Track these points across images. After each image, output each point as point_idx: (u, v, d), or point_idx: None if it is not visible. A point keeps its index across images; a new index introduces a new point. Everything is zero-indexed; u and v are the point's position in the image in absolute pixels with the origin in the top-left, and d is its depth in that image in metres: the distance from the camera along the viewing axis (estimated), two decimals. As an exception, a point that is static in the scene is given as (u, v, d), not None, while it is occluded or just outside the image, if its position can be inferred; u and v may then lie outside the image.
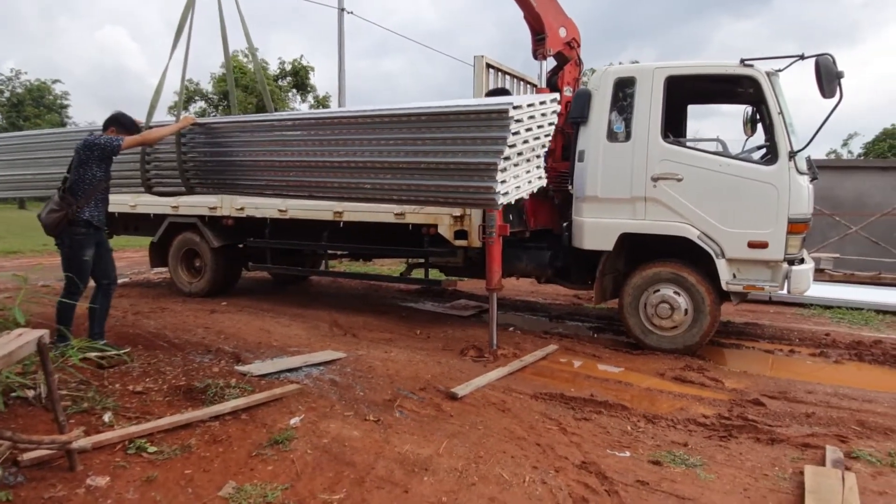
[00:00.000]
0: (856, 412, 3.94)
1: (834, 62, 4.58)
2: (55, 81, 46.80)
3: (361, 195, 4.46)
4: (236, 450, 3.09)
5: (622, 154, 5.43)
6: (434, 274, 6.93)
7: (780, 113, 5.01)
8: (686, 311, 5.29)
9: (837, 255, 10.28)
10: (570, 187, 5.79)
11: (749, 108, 5.66)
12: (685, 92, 5.73)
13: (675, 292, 5.32)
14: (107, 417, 3.35)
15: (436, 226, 6.13)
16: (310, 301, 7.84)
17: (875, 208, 10.96)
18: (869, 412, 3.95)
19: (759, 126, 5.58)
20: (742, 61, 5.08)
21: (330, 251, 7.69)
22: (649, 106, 5.33)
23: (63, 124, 41.73)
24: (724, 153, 5.38)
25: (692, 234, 5.20)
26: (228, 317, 6.53)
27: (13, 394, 3.43)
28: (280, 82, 32.43)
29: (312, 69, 32.94)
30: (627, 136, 5.44)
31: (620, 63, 8.73)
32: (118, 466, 2.85)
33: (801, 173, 4.99)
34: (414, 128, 3.99)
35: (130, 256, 12.50)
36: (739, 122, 5.80)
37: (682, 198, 5.23)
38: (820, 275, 8.85)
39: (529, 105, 4.06)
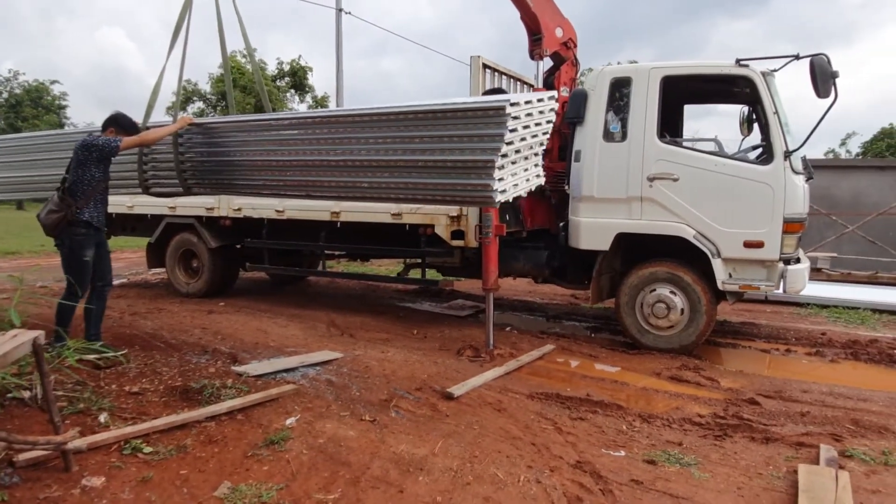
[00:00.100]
0: (851, 411, 3.95)
1: (829, 62, 4.59)
2: (53, 82, 46.77)
3: (359, 194, 4.46)
4: (232, 450, 3.10)
5: (618, 154, 5.44)
6: (431, 274, 6.94)
7: (776, 113, 5.02)
8: (682, 310, 5.30)
9: (835, 255, 10.29)
10: (566, 187, 5.81)
11: (745, 108, 5.67)
12: (681, 92, 5.74)
13: (672, 292, 5.34)
14: (102, 418, 3.35)
15: (433, 226, 6.14)
16: (307, 301, 7.85)
17: (872, 207, 10.98)
18: (864, 411, 3.97)
19: (756, 126, 5.59)
20: (737, 61, 5.09)
21: (327, 251, 7.69)
22: (645, 106, 5.34)
23: (61, 125, 41.64)
24: (720, 153, 5.39)
25: (688, 233, 5.22)
26: (226, 317, 6.53)
27: (9, 395, 3.43)
28: (278, 83, 32.40)
29: (310, 69, 32.96)
30: (624, 136, 5.45)
31: (619, 63, 8.75)
32: (114, 467, 2.85)
33: (796, 173, 5.00)
34: (411, 126, 4.00)
35: (128, 257, 12.48)
36: (737, 122, 5.81)
37: (678, 197, 5.25)
38: (817, 274, 8.87)
39: (527, 102, 4.07)
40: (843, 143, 42.15)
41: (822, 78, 4.57)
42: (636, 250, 5.66)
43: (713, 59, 5.88)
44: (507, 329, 6.28)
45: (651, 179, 5.31)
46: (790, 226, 4.98)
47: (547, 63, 6.23)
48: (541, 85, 6.07)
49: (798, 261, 5.29)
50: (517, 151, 4.04)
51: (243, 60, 28.51)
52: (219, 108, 31.04)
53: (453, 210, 5.93)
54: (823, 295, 7.73)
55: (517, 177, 4.16)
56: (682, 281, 5.31)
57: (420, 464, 3.01)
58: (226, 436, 3.26)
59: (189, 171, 5.08)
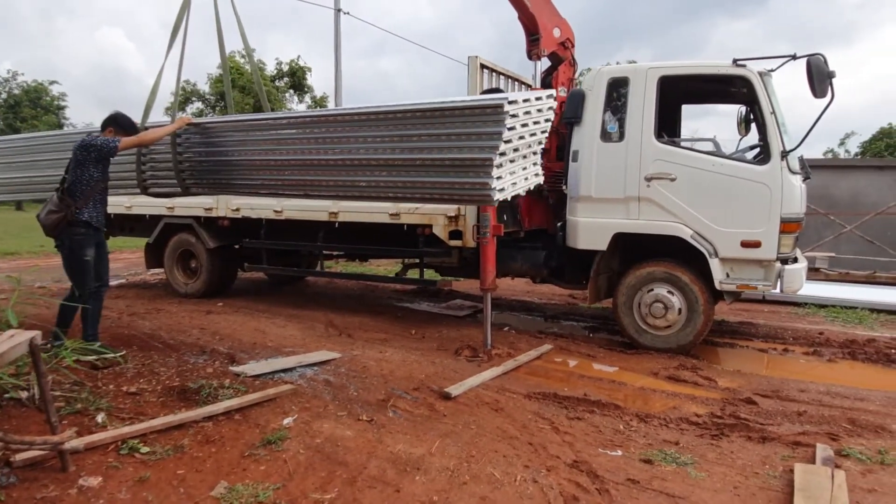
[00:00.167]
0: (847, 410, 3.96)
1: (825, 62, 4.60)
2: (52, 82, 46.65)
3: (357, 193, 4.46)
4: (229, 450, 3.10)
5: (616, 154, 5.45)
6: (429, 274, 6.95)
7: (773, 113, 5.03)
8: (680, 310, 5.31)
9: (833, 255, 10.31)
10: (564, 187, 5.81)
11: (742, 108, 5.68)
12: (679, 92, 5.75)
13: (669, 292, 5.34)
14: (100, 418, 3.35)
15: (430, 226, 6.14)
16: (305, 302, 7.85)
17: (870, 207, 10.98)
18: (860, 410, 3.97)
19: (753, 126, 5.60)
20: (735, 61, 5.10)
21: (325, 252, 7.69)
22: (643, 106, 5.35)
23: (60, 125, 41.58)
24: (717, 153, 5.40)
25: (685, 233, 5.22)
26: (224, 317, 6.53)
27: (6, 395, 3.43)
28: (277, 83, 32.43)
29: (309, 70, 33.01)
30: (621, 136, 5.46)
31: (618, 63, 8.76)
32: (110, 467, 2.85)
33: (793, 173, 5.01)
34: (409, 124, 4.00)
35: (127, 258, 12.48)
36: (735, 122, 5.82)
37: (675, 197, 5.25)
38: (815, 274, 8.88)
39: (525, 101, 4.07)
40: (841, 143, 42.18)
41: (819, 78, 4.59)
42: (634, 250, 5.67)
43: (712, 59, 5.89)
44: (505, 329, 6.28)
45: (648, 179, 5.31)
46: (787, 225, 4.98)
47: (545, 63, 6.24)
48: (538, 85, 6.08)
49: (795, 260, 5.30)
50: (515, 150, 4.04)
51: (242, 61, 28.53)
52: (217, 108, 31.04)
53: (451, 210, 5.94)
54: (821, 294, 7.74)
55: (515, 175, 4.16)
56: (679, 281, 5.31)
57: (417, 463, 3.01)
58: (223, 436, 3.26)
59: (187, 172, 5.09)
